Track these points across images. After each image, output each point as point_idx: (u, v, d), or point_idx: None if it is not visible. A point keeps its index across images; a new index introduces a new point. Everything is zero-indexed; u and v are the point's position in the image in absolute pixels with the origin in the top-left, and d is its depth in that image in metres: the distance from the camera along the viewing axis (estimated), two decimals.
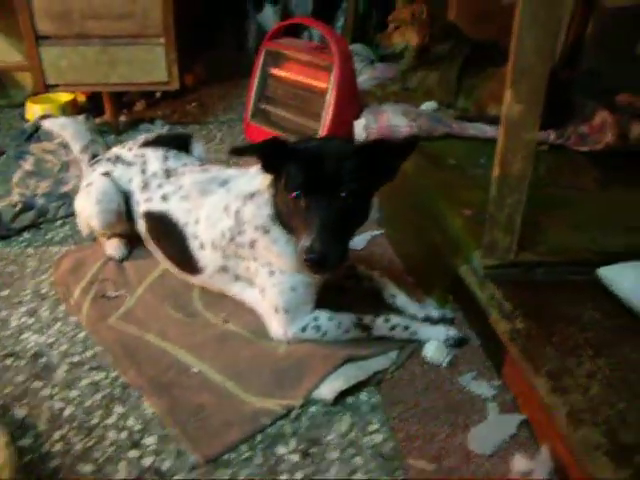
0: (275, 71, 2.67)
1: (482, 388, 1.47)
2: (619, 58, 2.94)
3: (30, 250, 1.96)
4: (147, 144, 1.88)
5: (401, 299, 1.67)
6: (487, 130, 2.41)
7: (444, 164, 2.22)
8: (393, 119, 2.38)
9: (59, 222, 2.13)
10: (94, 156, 2.01)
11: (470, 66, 2.62)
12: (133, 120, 3.03)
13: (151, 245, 1.82)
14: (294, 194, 1.35)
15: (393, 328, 1.55)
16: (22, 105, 3.14)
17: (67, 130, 2.04)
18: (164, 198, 1.72)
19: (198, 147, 2.03)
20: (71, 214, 2.15)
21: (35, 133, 2.76)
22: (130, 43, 2.64)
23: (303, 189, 1.34)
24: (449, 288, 1.74)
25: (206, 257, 1.64)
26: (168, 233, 1.71)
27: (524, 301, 1.53)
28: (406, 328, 1.56)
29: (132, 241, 1.91)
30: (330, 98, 2.37)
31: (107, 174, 1.82)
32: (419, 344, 1.56)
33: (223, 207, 1.59)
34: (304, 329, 1.52)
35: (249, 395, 1.40)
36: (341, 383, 1.42)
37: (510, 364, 1.45)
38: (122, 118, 2.97)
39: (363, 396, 1.43)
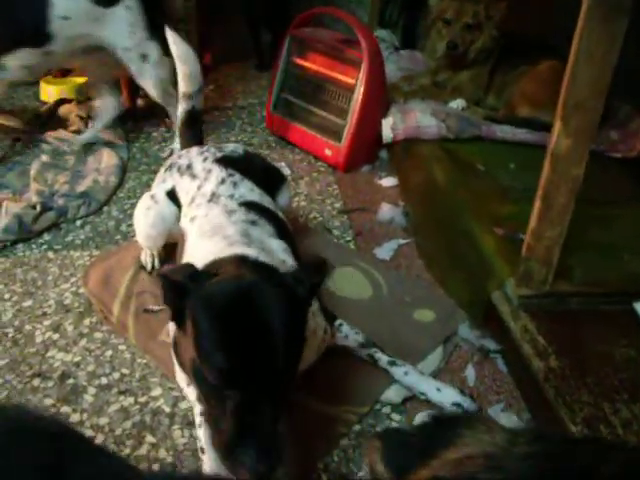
0: (299, 61, 2.57)
1: (511, 421, 1.46)
2: None
3: (50, 254, 1.92)
4: (223, 160, 1.71)
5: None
6: (517, 133, 2.34)
7: (473, 170, 2.16)
8: (421, 119, 2.31)
9: (79, 222, 2.08)
10: (192, 114, 1.91)
11: (502, 62, 2.53)
12: (151, 105, 2.94)
13: None
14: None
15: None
16: (35, 83, 3.06)
17: (184, 65, 1.85)
18: (192, 220, 1.57)
19: (285, 195, 1.84)
20: (92, 213, 2.13)
21: (51, 118, 2.71)
22: None
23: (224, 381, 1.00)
24: (481, 311, 1.71)
25: None
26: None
27: (558, 335, 1.51)
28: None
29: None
30: (358, 96, 2.28)
31: (171, 192, 1.69)
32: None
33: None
34: None
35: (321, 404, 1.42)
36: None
37: (542, 400, 1.43)
38: (139, 102, 2.88)
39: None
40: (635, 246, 1.79)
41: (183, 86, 1.89)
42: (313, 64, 2.52)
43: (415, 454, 0.72)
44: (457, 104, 2.50)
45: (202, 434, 1.27)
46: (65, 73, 2.77)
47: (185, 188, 1.67)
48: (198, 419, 1.30)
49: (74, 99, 2.82)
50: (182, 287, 1.05)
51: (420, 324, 1.69)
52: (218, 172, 1.66)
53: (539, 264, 1.53)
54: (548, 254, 1.51)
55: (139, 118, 2.81)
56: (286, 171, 2.42)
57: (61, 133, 2.57)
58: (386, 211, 2.12)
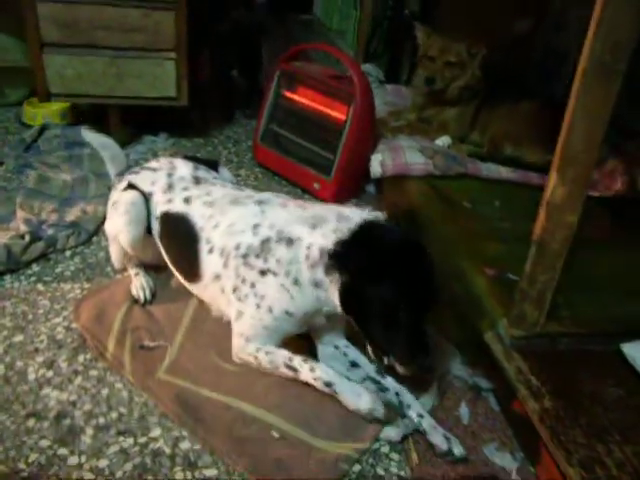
0: (289, 94, 2.61)
1: (505, 460, 1.49)
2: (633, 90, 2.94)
3: (40, 286, 1.89)
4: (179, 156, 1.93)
5: (427, 422, 1.50)
6: (502, 172, 2.41)
7: (460, 208, 2.22)
8: (409, 156, 2.37)
9: (68, 253, 2.06)
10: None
11: (487, 100, 2.61)
12: (136, 132, 2.94)
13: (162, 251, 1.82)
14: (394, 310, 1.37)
15: (315, 379, 1.52)
16: (17, 104, 3.02)
17: (107, 151, 2.00)
18: (187, 201, 1.70)
19: (225, 172, 2.02)
20: (81, 243, 2.10)
21: (35, 142, 2.67)
22: (140, 56, 2.55)
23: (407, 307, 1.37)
24: (473, 349, 1.75)
25: (210, 262, 1.62)
26: (181, 237, 1.69)
27: (550, 376, 1.55)
28: (327, 385, 1.51)
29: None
30: (348, 131, 2.33)
31: (130, 186, 1.79)
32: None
33: (253, 224, 1.56)
34: (248, 354, 1.58)
35: (319, 440, 1.43)
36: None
37: (535, 440, 1.47)
38: (126, 128, 2.87)
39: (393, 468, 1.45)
40: (617, 286, 1.86)
41: (112, 169, 2.02)
42: (303, 98, 2.56)
43: None
44: (443, 141, 2.57)
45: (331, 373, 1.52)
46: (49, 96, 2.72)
47: (147, 178, 1.79)
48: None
49: (59, 123, 2.80)
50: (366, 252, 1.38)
51: None
52: (182, 162, 1.84)
53: (532, 306, 1.57)
54: (541, 297, 1.56)
55: (124, 143, 2.78)
56: None
57: (47, 158, 2.53)
58: None
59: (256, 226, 1.56)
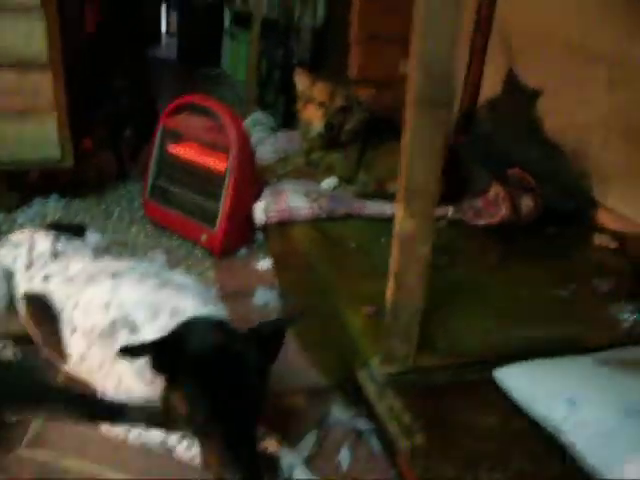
0: (172, 149, 2.61)
1: None
2: (512, 126, 3.08)
3: None
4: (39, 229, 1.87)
5: (300, 472, 1.46)
6: (386, 209, 2.43)
7: (345, 249, 2.22)
8: (293, 200, 2.37)
9: None
10: None
11: (371, 139, 2.66)
12: (26, 195, 2.85)
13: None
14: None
15: (192, 459, 1.44)
16: None
17: None
18: (46, 279, 1.65)
19: (92, 236, 1.99)
20: None
21: None
22: (19, 119, 2.51)
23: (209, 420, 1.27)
24: (352, 391, 1.72)
25: (74, 344, 1.57)
26: (44, 317, 1.63)
27: (424, 411, 1.54)
28: None
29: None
30: (229, 181, 2.34)
31: None
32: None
33: (104, 303, 1.51)
34: (116, 435, 1.50)
35: None
36: None
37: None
38: (13, 193, 2.79)
39: None
40: (497, 314, 1.88)
41: None
42: (186, 152, 2.56)
43: None
44: (328, 184, 2.59)
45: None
46: None
47: (9, 254, 1.75)
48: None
49: None
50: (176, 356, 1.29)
51: (292, 409, 1.68)
52: (43, 236, 1.79)
53: (400, 342, 1.56)
54: (407, 331, 1.55)
55: (12, 208, 2.71)
56: (162, 258, 2.40)
57: None
58: (261, 295, 2.14)
59: (107, 305, 1.51)
